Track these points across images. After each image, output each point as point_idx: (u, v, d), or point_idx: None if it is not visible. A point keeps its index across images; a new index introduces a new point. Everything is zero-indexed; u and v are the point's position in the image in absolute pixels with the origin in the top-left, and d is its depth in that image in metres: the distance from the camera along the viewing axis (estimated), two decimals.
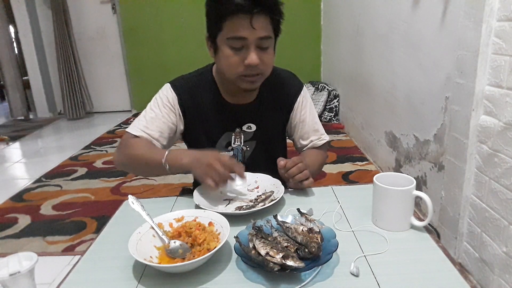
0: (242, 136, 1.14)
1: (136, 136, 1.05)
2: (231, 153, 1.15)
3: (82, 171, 2.91)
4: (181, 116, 1.09)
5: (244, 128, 1.14)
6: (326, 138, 1.23)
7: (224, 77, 1.04)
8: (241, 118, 1.13)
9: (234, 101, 1.11)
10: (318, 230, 0.74)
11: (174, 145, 1.12)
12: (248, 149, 1.16)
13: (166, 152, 0.96)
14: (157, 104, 1.08)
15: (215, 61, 1.05)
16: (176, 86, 1.09)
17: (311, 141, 1.21)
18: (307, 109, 1.19)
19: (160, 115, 1.07)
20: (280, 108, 1.17)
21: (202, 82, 1.11)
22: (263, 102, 1.13)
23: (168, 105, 1.07)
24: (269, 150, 1.18)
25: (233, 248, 0.75)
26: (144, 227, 0.79)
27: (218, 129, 1.12)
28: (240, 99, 1.11)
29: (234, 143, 1.14)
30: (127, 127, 1.09)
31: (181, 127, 1.11)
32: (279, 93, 1.15)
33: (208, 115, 1.10)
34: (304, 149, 1.23)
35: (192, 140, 1.15)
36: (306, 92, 1.20)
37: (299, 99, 1.17)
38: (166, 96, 1.08)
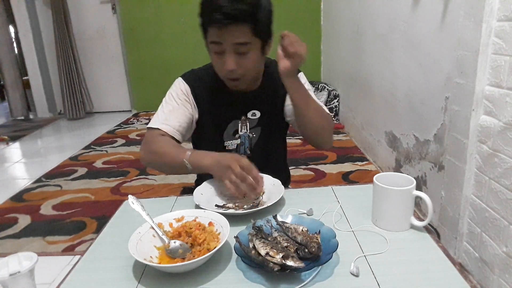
0: (248, 123, 1.17)
1: (158, 129, 1.08)
2: (239, 140, 1.18)
3: (82, 171, 2.91)
4: (195, 105, 1.14)
5: (249, 115, 1.17)
6: (327, 110, 1.13)
7: None
8: (245, 105, 1.17)
9: (238, 89, 1.13)
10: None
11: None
12: (254, 135, 1.19)
13: (189, 153, 1.00)
14: (172, 97, 1.13)
15: None
16: (187, 78, 1.15)
17: None
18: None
19: (177, 107, 1.11)
20: (279, 93, 1.17)
21: (209, 73, 1.15)
22: (265, 89, 1.17)
23: (183, 96, 1.12)
24: (273, 137, 1.22)
25: (233, 248, 0.75)
26: (144, 227, 0.79)
27: (225, 117, 1.16)
28: (244, 87, 1.13)
29: (241, 131, 1.18)
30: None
31: (196, 115, 1.15)
32: (279, 79, 1.11)
33: (215, 104, 1.15)
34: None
35: (202, 129, 1.17)
36: (303, 76, 1.16)
37: None
38: (179, 88, 1.13)
